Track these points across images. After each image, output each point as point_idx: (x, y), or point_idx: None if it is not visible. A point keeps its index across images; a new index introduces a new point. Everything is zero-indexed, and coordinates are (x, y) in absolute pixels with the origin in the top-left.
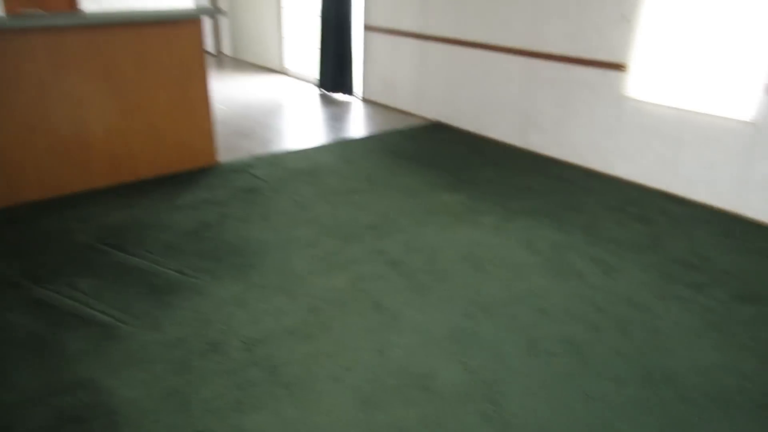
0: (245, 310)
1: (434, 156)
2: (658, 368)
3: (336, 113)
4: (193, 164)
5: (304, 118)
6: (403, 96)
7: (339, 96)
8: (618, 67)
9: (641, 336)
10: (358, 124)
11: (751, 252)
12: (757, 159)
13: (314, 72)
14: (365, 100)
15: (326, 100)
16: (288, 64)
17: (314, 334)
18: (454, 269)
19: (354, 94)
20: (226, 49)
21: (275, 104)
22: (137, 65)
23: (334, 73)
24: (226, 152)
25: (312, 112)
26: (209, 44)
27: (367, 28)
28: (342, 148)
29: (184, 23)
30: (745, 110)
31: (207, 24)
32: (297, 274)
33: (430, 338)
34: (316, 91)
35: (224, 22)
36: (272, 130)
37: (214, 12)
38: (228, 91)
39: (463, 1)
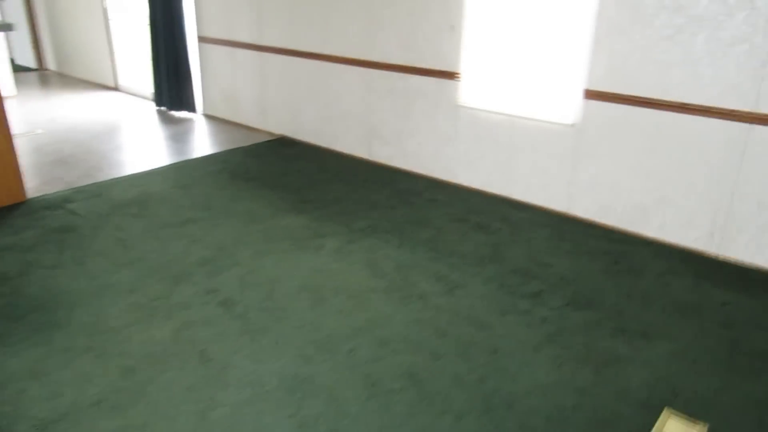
0: (41, 383)
1: (278, 174)
2: (497, 393)
3: (174, 133)
4: None
5: (137, 139)
6: (247, 111)
7: (179, 113)
8: (451, 75)
9: (481, 359)
10: (197, 144)
11: (582, 253)
12: (581, 160)
13: (151, 88)
14: (207, 117)
15: (164, 119)
16: (122, 79)
17: (124, 403)
18: (292, 304)
19: (195, 110)
20: (51, 64)
21: (105, 125)
22: None
23: (171, 88)
24: (39, 185)
25: (147, 132)
26: (29, 59)
27: (202, 39)
28: (178, 171)
29: None
30: (567, 115)
31: (25, 37)
32: (111, 329)
33: (260, 391)
34: (154, 109)
35: (45, 34)
36: (98, 155)
37: (3, 27)
38: (51, 113)
39: (295, 11)
